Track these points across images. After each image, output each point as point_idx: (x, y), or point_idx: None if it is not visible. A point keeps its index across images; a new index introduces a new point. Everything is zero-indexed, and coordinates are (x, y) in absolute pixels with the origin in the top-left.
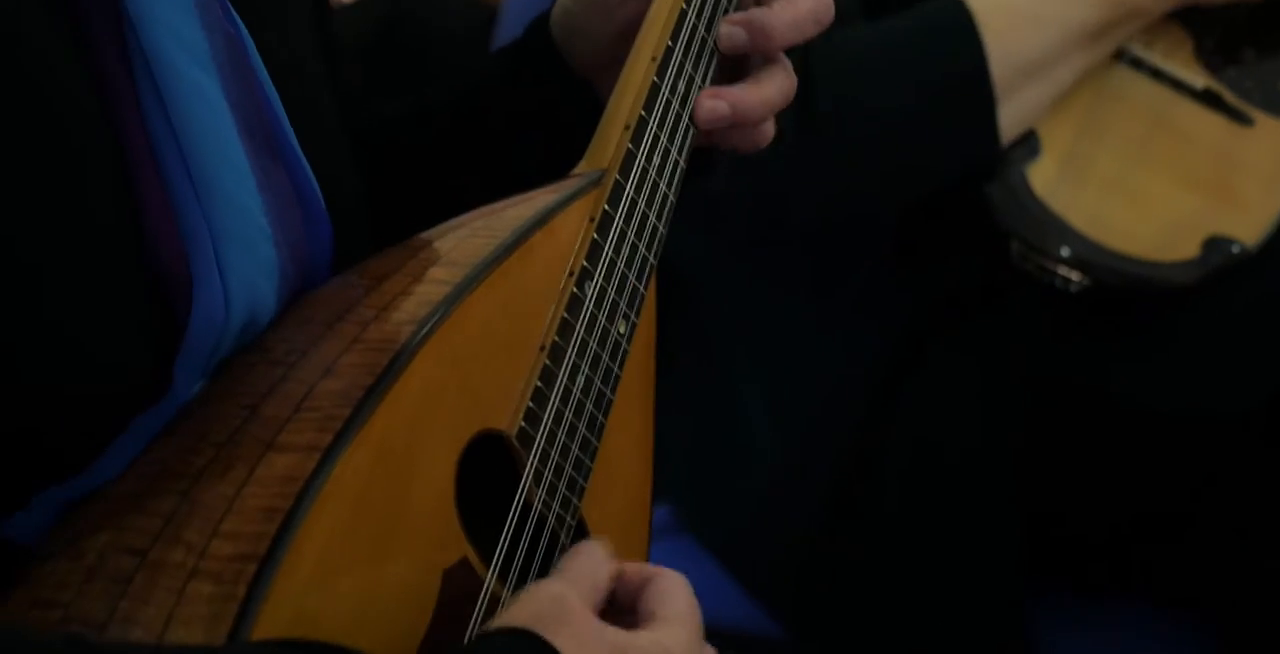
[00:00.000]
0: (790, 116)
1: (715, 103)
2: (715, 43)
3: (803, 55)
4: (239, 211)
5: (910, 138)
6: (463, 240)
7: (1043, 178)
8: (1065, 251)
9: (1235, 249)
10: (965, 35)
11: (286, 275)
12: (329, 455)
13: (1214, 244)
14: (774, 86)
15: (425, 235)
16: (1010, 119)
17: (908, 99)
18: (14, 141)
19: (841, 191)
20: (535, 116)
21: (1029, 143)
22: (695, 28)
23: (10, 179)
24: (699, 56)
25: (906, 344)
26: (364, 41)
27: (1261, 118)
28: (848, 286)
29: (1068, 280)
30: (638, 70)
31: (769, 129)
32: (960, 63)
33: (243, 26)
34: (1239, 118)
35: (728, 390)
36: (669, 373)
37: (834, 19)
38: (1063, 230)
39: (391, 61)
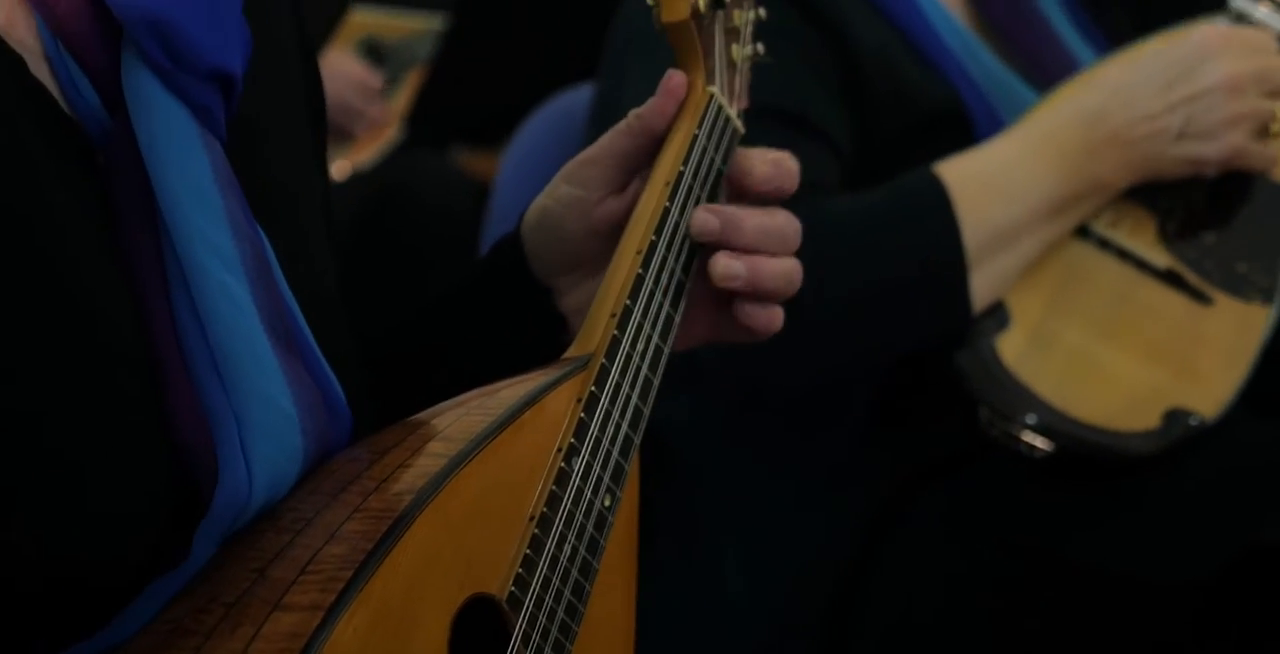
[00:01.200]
0: None
1: (706, 215)
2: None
3: None
4: (265, 402)
5: (887, 307)
6: (460, 417)
7: (1011, 348)
8: (1032, 420)
9: (1195, 421)
10: (939, 207)
11: (310, 459)
12: (331, 614)
13: (1174, 416)
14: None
15: (426, 413)
16: (981, 288)
17: (885, 269)
18: (46, 325)
19: (820, 362)
20: (499, 330)
21: (998, 314)
22: (678, 225)
23: (40, 361)
24: (681, 251)
25: (881, 509)
26: (359, 216)
27: (1221, 298)
28: (824, 453)
29: (1033, 447)
30: (624, 263)
31: (777, 315)
32: (934, 233)
33: (262, 232)
34: (1200, 297)
35: (709, 556)
36: (653, 540)
37: (816, 189)
38: (1030, 399)
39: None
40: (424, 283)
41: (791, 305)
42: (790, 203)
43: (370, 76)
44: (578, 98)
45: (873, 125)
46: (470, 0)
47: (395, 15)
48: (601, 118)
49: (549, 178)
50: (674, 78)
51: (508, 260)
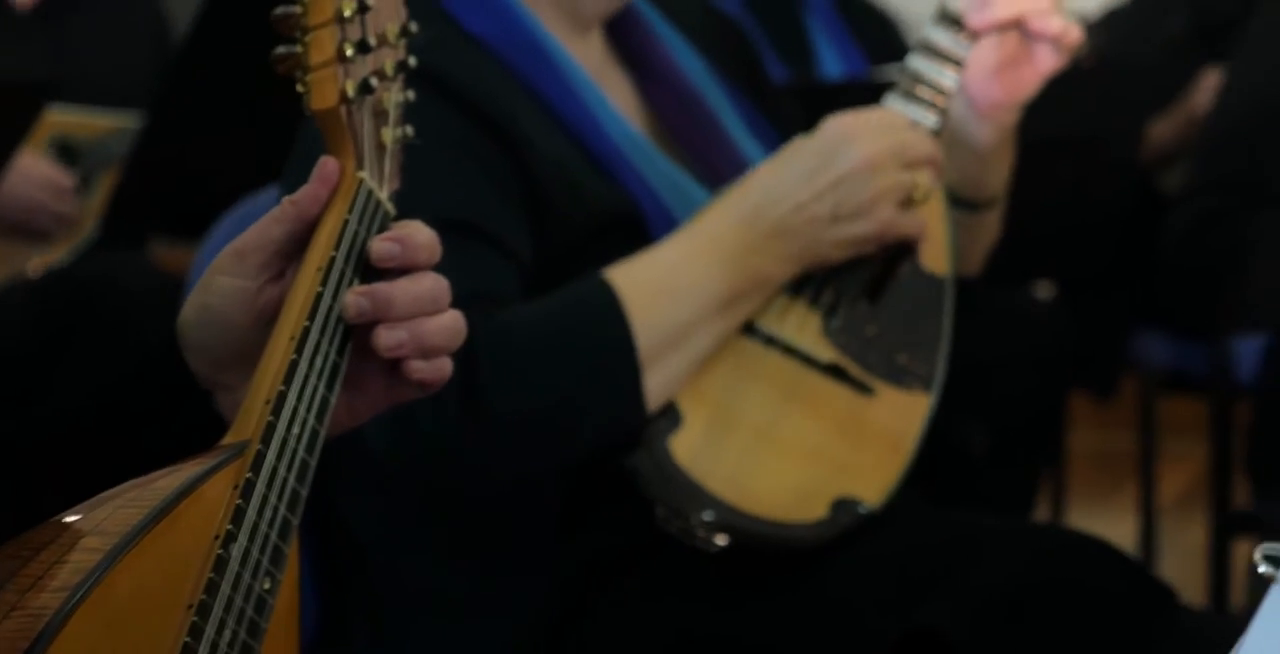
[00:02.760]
0: (455, 389)
1: (358, 298)
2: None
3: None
4: None
5: (564, 414)
6: (115, 511)
7: (684, 447)
8: (706, 516)
9: (862, 509)
10: (610, 312)
11: None
12: None
13: (842, 505)
14: (425, 283)
15: (82, 506)
16: (655, 388)
17: (561, 376)
18: None
19: (503, 462)
20: (158, 426)
21: (671, 414)
22: (331, 309)
23: None
24: (334, 334)
25: (567, 602)
26: (53, 312)
27: (883, 388)
28: (509, 547)
29: (710, 542)
30: (278, 349)
31: (446, 365)
32: (607, 338)
33: None
34: (863, 388)
35: (397, 650)
36: (344, 636)
37: (493, 300)
38: (703, 496)
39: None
40: (112, 375)
41: (472, 414)
42: (469, 312)
43: (62, 176)
44: (267, 199)
45: (553, 233)
46: (166, 99)
47: (88, 114)
48: None
49: None
50: (327, 164)
51: (162, 370)
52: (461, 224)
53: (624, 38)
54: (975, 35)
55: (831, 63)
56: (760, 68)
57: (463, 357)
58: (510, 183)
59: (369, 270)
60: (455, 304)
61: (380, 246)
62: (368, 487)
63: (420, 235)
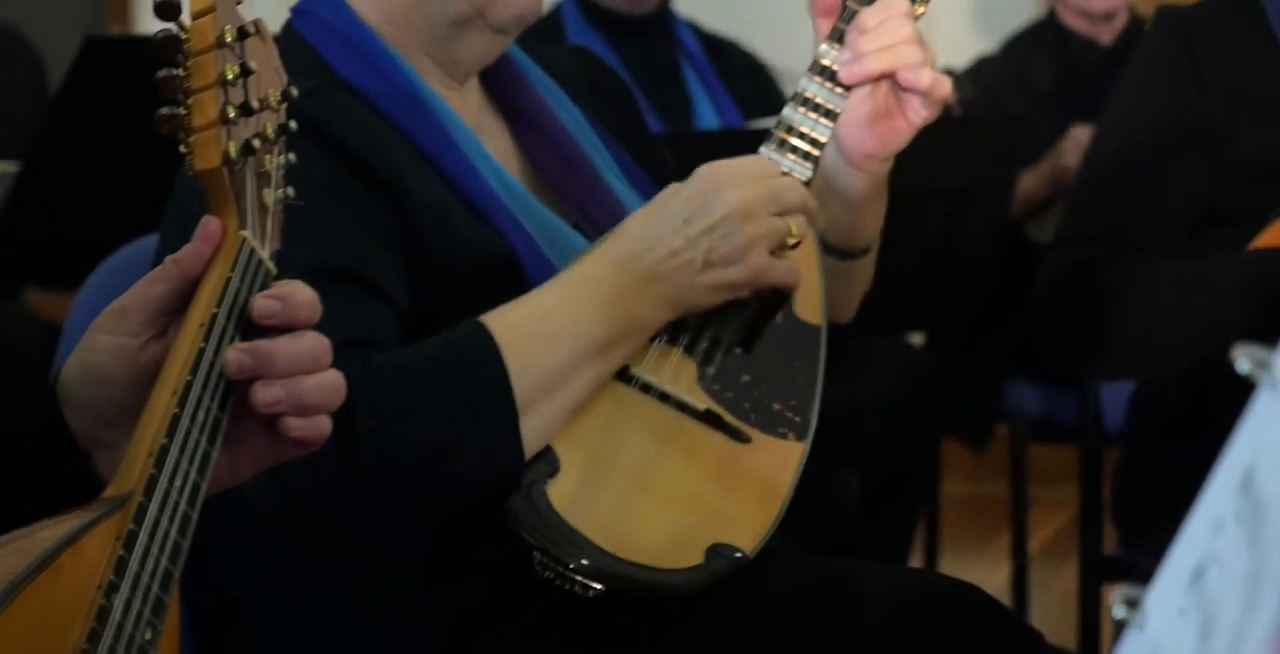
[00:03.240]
0: (333, 439)
1: (239, 354)
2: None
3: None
4: None
5: (442, 459)
6: None
7: (561, 492)
8: (583, 562)
9: (736, 555)
10: (487, 356)
11: None
12: None
13: (717, 551)
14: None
15: None
16: (532, 433)
17: (439, 422)
18: None
19: (379, 508)
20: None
21: (548, 459)
22: (213, 365)
23: None
24: (216, 389)
25: (446, 648)
26: None
27: (758, 436)
28: (386, 593)
29: (587, 587)
30: (160, 403)
31: (324, 424)
32: (484, 383)
33: None
34: (738, 436)
35: None
36: None
37: (372, 345)
38: (579, 542)
39: None
40: None
41: (348, 459)
42: (347, 358)
43: None
44: (142, 249)
45: (431, 280)
46: (40, 148)
47: None
48: None
49: None
50: (210, 223)
51: (40, 427)
52: (340, 270)
53: (500, 88)
54: (849, 87)
55: (707, 114)
56: (637, 117)
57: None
58: (388, 229)
59: (250, 328)
60: (334, 349)
61: (262, 304)
62: (242, 533)
63: (301, 294)
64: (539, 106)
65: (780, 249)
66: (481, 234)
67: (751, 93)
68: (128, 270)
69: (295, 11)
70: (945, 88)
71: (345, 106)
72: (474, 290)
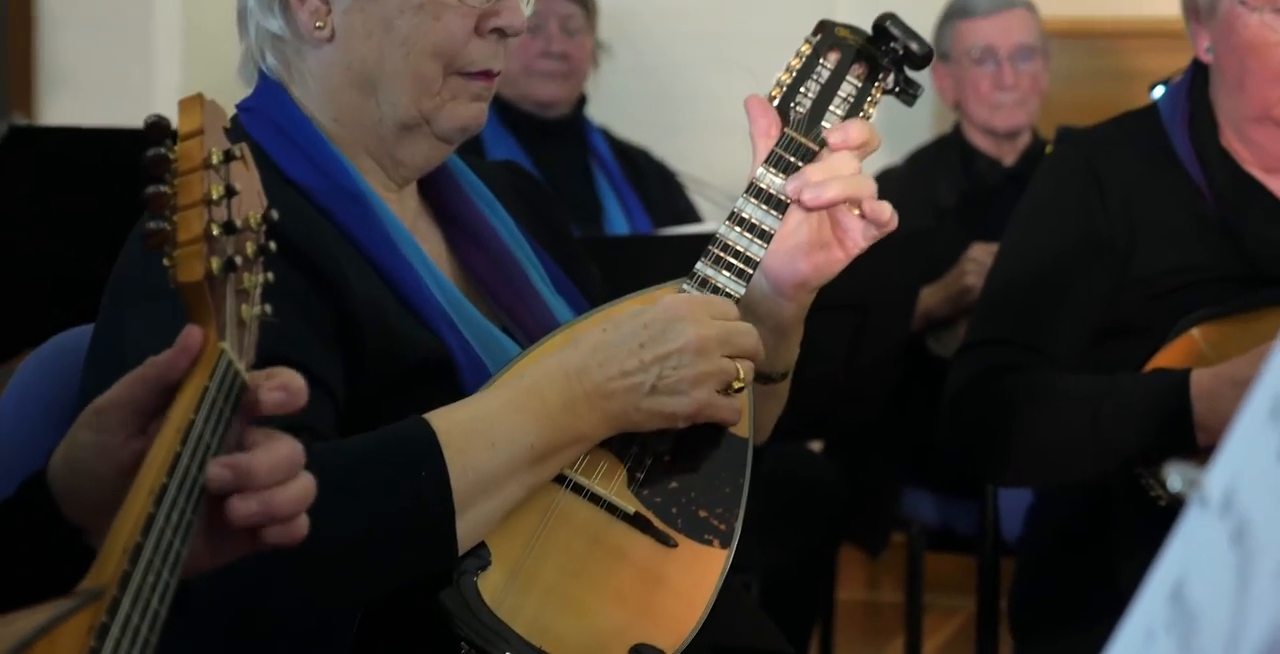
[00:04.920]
0: None
1: (220, 470)
2: (204, 482)
3: None
4: None
5: (378, 550)
6: None
7: (491, 586)
8: None
9: None
10: (429, 454)
11: None
12: None
13: (638, 651)
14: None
15: None
16: (466, 531)
17: (377, 513)
18: None
19: (313, 595)
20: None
21: (480, 554)
22: (189, 469)
23: None
24: (191, 492)
25: None
26: None
27: (684, 541)
28: None
29: None
30: (137, 501)
31: (301, 524)
32: (425, 479)
33: None
34: (664, 540)
35: None
36: None
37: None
38: (508, 636)
39: None
40: None
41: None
42: None
43: None
44: (77, 336)
45: (367, 374)
46: None
47: None
48: (102, 361)
49: (48, 410)
50: (192, 334)
51: (33, 508)
52: (281, 360)
53: (437, 194)
54: (784, 211)
55: (617, 219)
56: (564, 230)
57: None
58: (327, 323)
59: (226, 437)
60: None
61: (272, 397)
62: (172, 623)
63: (298, 381)
64: (475, 214)
65: (726, 390)
66: (417, 334)
67: (661, 199)
68: (56, 361)
69: (242, 108)
70: (895, 222)
71: (288, 200)
72: (408, 388)
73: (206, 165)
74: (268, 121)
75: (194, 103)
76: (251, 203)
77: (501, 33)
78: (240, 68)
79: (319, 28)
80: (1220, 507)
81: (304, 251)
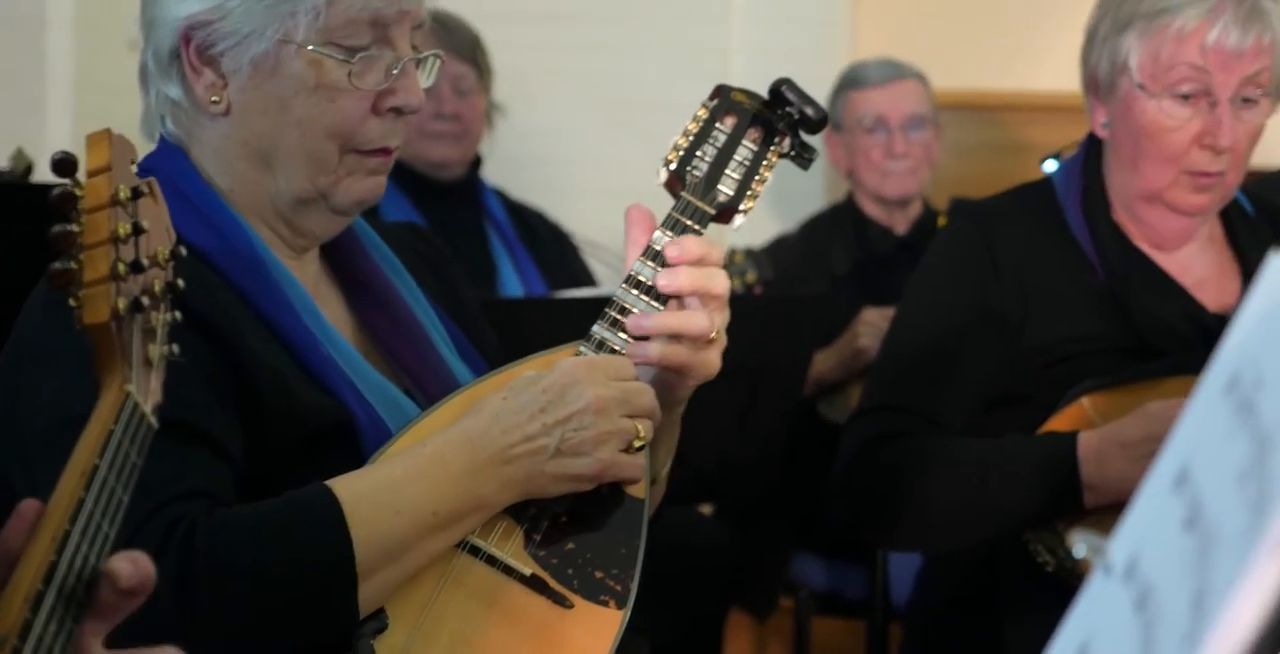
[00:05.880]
0: (168, 583)
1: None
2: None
3: None
4: None
5: (280, 618)
6: None
7: (388, 648)
8: None
9: None
10: (333, 521)
11: None
12: None
13: None
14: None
15: None
16: (368, 597)
17: (277, 577)
18: None
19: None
20: None
21: (379, 618)
22: (93, 514)
23: None
24: (94, 539)
25: None
26: None
27: (580, 602)
28: None
29: None
30: (39, 549)
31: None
32: (327, 548)
33: None
34: (561, 601)
35: None
36: None
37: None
38: None
39: None
40: None
41: (183, 607)
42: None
43: None
44: None
45: (267, 438)
46: None
47: None
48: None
49: None
50: (28, 506)
51: None
52: (180, 424)
53: (340, 257)
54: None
55: (511, 280)
56: (460, 287)
57: (180, 550)
58: (227, 387)
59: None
60: (176, 499)
61: (121, 568)
62: None
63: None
64: (378, 276)
65: (627, 449)
66: (317, 398)
67: (556, 261)
68: None
69: (142, 168)
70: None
71: (189, 266)
72: (309, 451)
73: (114, 202)
74: (167, 184)
75: (101, 138)
76: (160, 238)
77: (399, 111)
78: (142, 122)
79: (214, 102)
80: (1124, 573)
81: (205, 316)
